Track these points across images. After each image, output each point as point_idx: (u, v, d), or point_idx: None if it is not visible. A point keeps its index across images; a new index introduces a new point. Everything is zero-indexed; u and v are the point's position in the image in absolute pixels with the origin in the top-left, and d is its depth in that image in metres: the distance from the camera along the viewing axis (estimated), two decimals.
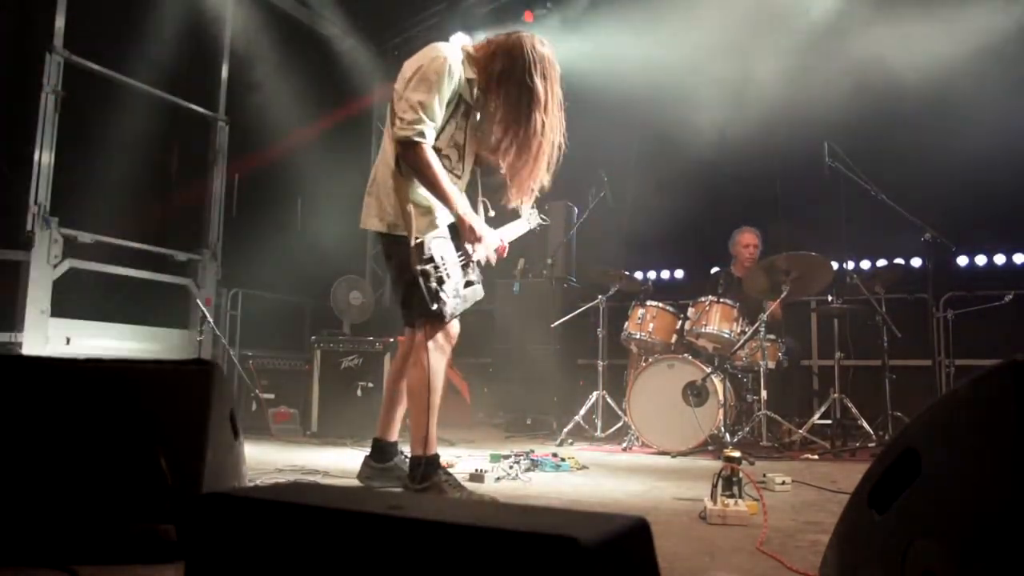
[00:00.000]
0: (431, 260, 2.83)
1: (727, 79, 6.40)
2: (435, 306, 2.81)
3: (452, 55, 2.87)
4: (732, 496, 2.54)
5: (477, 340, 7.24)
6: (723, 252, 6.28)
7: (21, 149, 5.03)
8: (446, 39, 8.49)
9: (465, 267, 3.01)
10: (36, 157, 5.03)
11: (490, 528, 0.88)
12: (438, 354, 2.95)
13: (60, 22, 5.24)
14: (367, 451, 3.81)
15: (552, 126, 2.95)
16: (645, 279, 7.33)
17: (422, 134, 2.80)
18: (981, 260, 6.52)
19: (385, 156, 2.97)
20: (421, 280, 2.79)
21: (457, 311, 2.96)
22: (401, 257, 2.87)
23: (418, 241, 2.83)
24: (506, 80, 2.90)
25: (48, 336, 5.04)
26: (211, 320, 5.90)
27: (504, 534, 0.87)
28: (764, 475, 3.34)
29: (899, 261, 6.46)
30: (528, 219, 3.40)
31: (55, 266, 5.08)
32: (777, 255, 4.98)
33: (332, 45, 8.07)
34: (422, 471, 2.90)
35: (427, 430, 2.90)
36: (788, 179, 6.53)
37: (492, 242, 3.11)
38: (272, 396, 5.80)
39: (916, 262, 6.32)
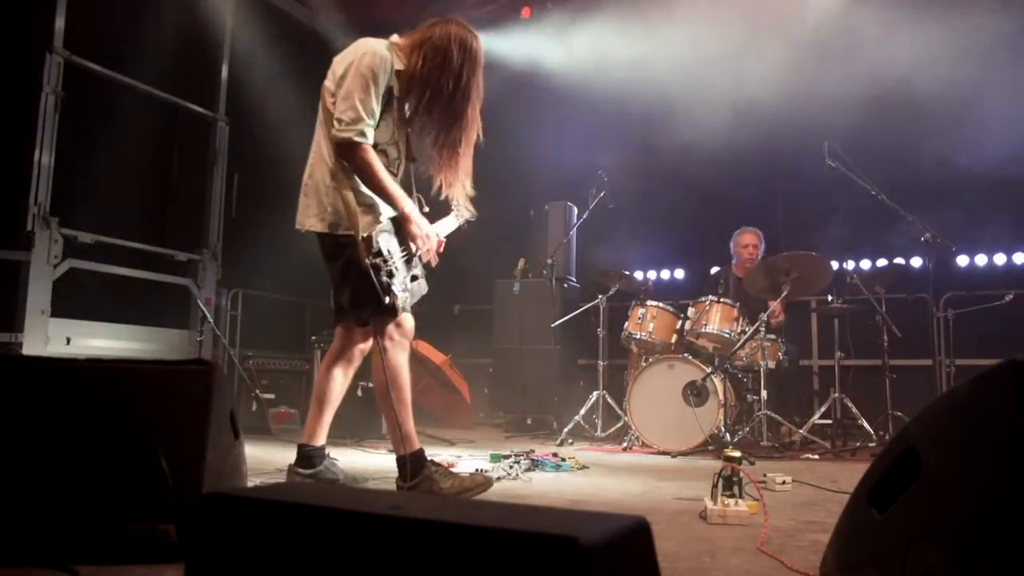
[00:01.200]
0: (379, 254, 2.78)
1: (727, 79, 6.40)
2: (387, 299, 2.76)
3: (381, 48, 2.85)
4: (732, 496, 2.54)
5: (477, 340, 7.26)
6: (723, 252, 6.28)
7: (21, 149, 5.03)
8: None
9: (408, 262, 2.97)
10: (36, 157, 5.03)
11: (490, 528, 0.88)
12: (397, 350, 2.93)
13: (60, 22, 5.24)
14: (367, 451, 3.80)
15: (477, 117, 2.97)
16: (645, 279, 7.34)
17: (362, 134, 2.76)
18: (981, 260, 6.52)
19: (321, 154, 2.91)
20: (372, 273, 2.74)
21: (407, 305, 2.93)
22: (347, 256, 2.84)
23: (365, 236, 2.78)
24: (437, 70, 2.87)
25: (48, 336, 5.04)
26: (211, 320, 5.91)
27: (504, 534, 0.87)
28: (764, 475, 3.34)
29: (899, 261, 6.46)
30: (457, 215, 3.30)
31: (55, 266, 5.08)
32: (777, 255, 4.98)
33: (331, 44, 8.07)
34: (410, 468, 2.89)
35: (404, 427, 2.90)
36: (788, 179, 6.54)
37: (434, 239, 3.06)
38: (272, 396, 5.79)
39: (916, 262, 6.33)
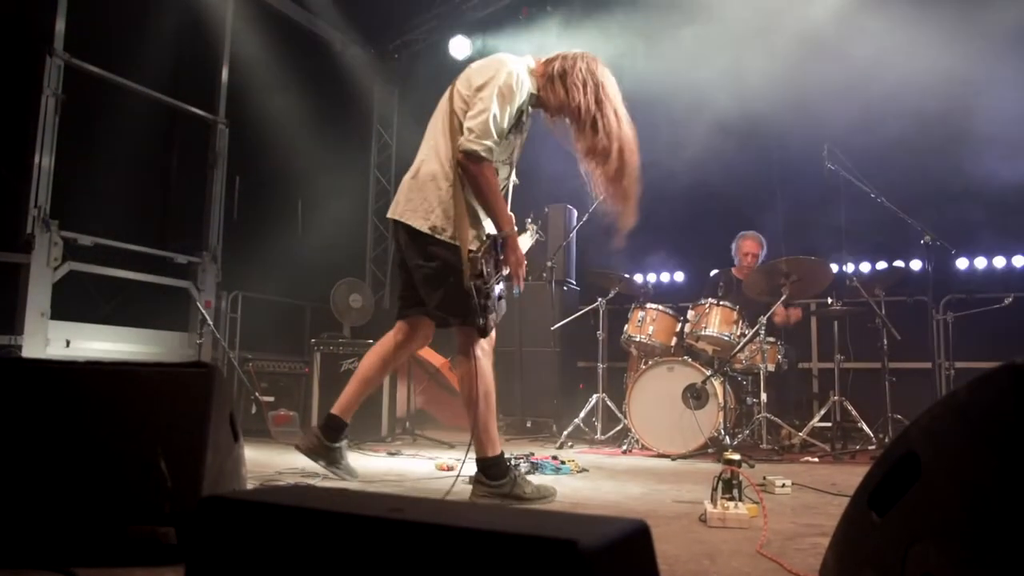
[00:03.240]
0: (481, 275, 2.85)
1: (728, 81, 6.40)
2: (481, 321, 2.85)
3: (522, 69, 2.94)
4: (732, 499, 2.54)
5: None
6: (723, 255, 6.28)
7: (21, 152, 5.03)
8: (445, 42, 8.56)
9: (498, 282, 3.04)
10: (36, 160, 5.03)
11: (490, 531, 0.88)
12: (486, 360, 3.01)
13: (60, 25, 5.24)
14: (367, 454, 3.81)
15: (628, 132, 3.13)
16: (645, 282, 7.35)
17: (490, 150, 2.83)
18: (981, 263, 6.52)
19: (438, 153, 2.96)
20: (474, 295, 2.82)
21: (494, 324, 3.01)
22: (446, 260, 2.90)
23: (473, 255, 2.85)
24: (584, 90, 2.98)
25: (48, 339, 5.04)
26: (211, 323, 5.91)
27: (504, 537, 0.87)
28: (764, 478, 3.34)
29: (899, 264, 6.46)
30: (532, 234, 3.55)
31: (55, 269, 5.08)
32: (777, 258, 4.99)
33: (332, 48, 8.09)
34: (497, 470, 2.97)
35: (492, 432, 3.00)
36: (788, 182, 6.54)
37: (524, 263, 3.15)
38: (272, 399, 5.80)
39: (916, 265, 6.33)
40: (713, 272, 6.28)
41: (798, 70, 6.15)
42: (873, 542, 1.29)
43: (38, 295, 4.96)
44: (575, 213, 6.72)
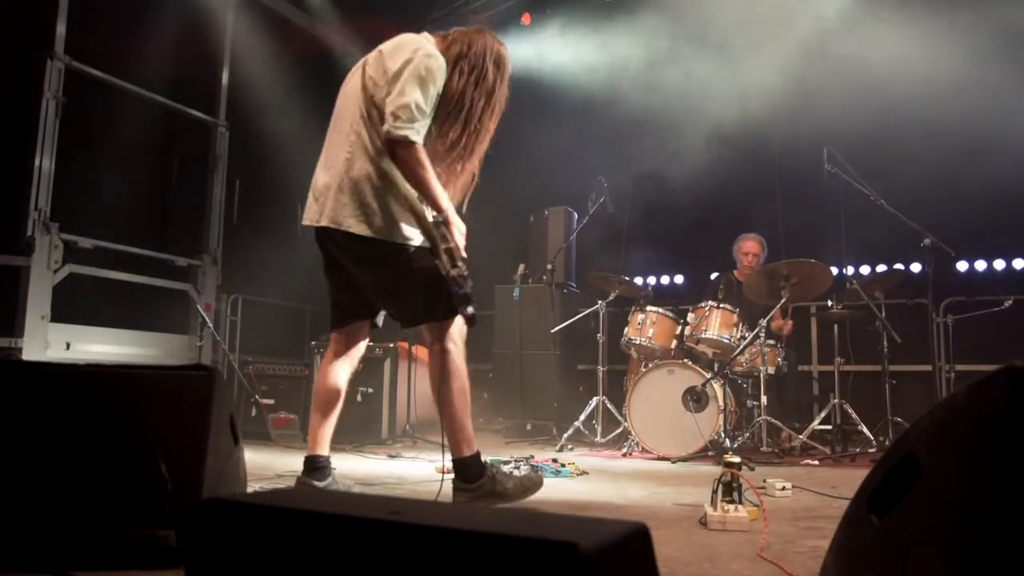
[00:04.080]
0: (456, 264, 2.69)
1: (728, 85, 6.41)
2: (469, 309, 2.68)
3: (435, 51, 2.80)
4: (732, 502, 2.54)
5: (477, 345, 7.25)
6: (723, 258, 6.28)
7: (22, 155, 5.04)
8: None
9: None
10: (37, 163, 5.04)
11: (490, 534, 0.88)
12: (459, 354, 2.88)
13: (61, 28, 5.25)
14: (367, 457, 3.77)
15: (493, 129, 2.94)
16: (645, 284, 7.35)
17: (418, 132, 2.68)
18: (981, 265, 6.52)
19: (365, 149, 2.77)
20: (461, 284, 2.63)
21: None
22: (404, 264, 2.77)
23: (448, 246, 2.68)
24: (472, 86, 2.84)
25: (48, 341, 5.04)
26: (211, 325, 5.92)
27: (504, 540, 0.87)
28: (764, 481, 3.33)
29: (899, 266, 6.46)
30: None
31: (55, 271, 5.09)
32: (778, 261, 4.99)
33: (332, 51, 8.09)
34: (473, 470, 2.84)
35: (468, 430, 2.86)
36: (787, 185, 6.54)
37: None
38: (272, 401, 5.79)
39: (916, 267, 6.33)
40: (713, 275, 6.28)
41: (798, 73, 6.16)
42: (873, 545, 1.29)
43: (38, 298, 4.97)
44: (575, 216, 6.72)
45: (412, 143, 2.67)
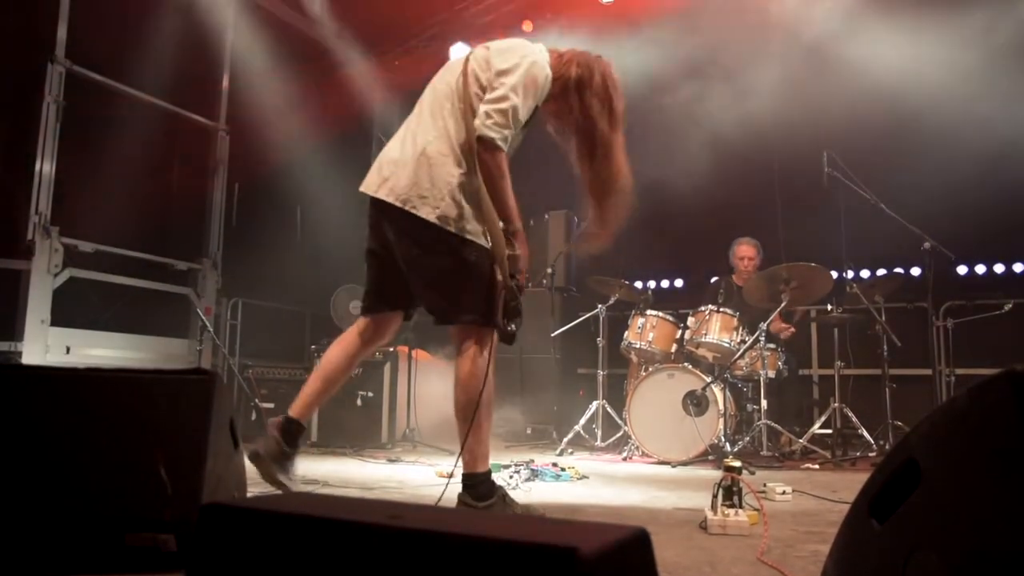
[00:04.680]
0: (513, 275, 2.63)
1: (727, 88, 6.42)
2: (513, 326, 2.63)
3: (544, 62, 2.74)
4: (732, 506, 2.54)
5: None
6: (723, 262, 6.28)
7: (22, 158, 5.04)
8: (447, 50, 8.57)
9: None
10: (37, 167, 5.04)
11: (490, 538, 0.88)
12: (489, 365, 2.73)
13: (62, 32, 5.26)
14: (367, 461, 3.74)
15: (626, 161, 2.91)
16: (645, 288, 7.35)
17: (507, 140, 2.62)
18: (980, 269, 6.52)
19: (450, 138, 2.69)
20: (514, 295, 2.59)
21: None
22: (465, 258, 2.67)
23: (511, 253, 2.63)
24: (601, 109, 2.80)
25: (48, 345, 5.04)
26: (211, 329, 5.91)
27: (504, 544, 0.87)
28: (764, 485, 3.33)
29: (899, 270, 6.45)
30: None
31: (55, 275, 5.09)
32: (777, 265, 4.99)
33: (333, 55, 8.10)
34: (486, 487, 2.71)
35: (486, 445, 2.71)
36: (787, 188, 6.54)
37: None
38: (272, 405, 5.78)
39: (916, 271, 6.32)
40: (713, 279, 6.28)
41: (798, 76, 6.16)
42: (874, 550, 1.29)
43: (38, 301, 4.97)
44: (576, 220, 6.73)
45: (499, 149, 2.62)
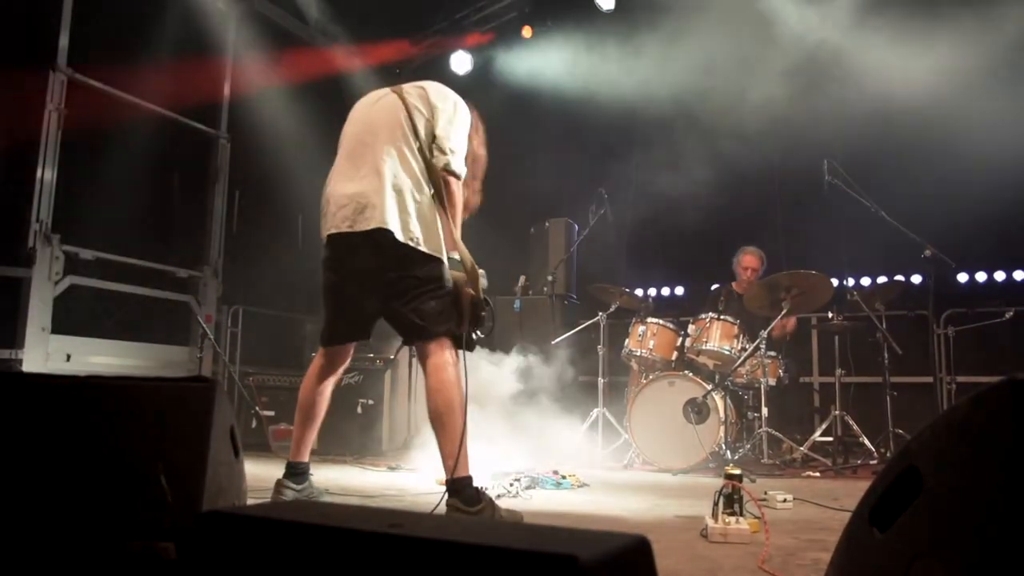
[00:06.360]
0: (477, 289, 2.93)
1: (728, 97, 6.43)
2: (482, 334, 2.95)
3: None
4: (733, 514, 2.53)
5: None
6: (724, 269, 6.28)
7: (24, 166, 5.05)
8: (447, 58, 8.61)
9: None
10: (39, 174, 5.05)
11: (490, 546, 0.88)
12: (460, 371, 2.92)
13: (64, 40, 5.27)
14: (367, 469, 3.75)
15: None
16: (645, 296, 7.35)
17: (464, 170, 2.99)
18: (981, 277, 6.52)
19: (410, 168, 2.93)
20: (485, 309, 2.92)
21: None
22: (431, 272, 2.90)
23: (474, 268, 2.92)
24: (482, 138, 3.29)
25: (48, 353, 5.03)
26: (212, 337, 5.92)
27: (504, 552, 0.87)
28: (765, 492, 3.33)
29: (899, 278, 6.44)
30: None
31: (56, 283, 5.09)
32: (778, 272, 4.99)
33: (333, 63, 8.12)
34: (472, 492, 2.80)
35: (465, 449, 2.84)
36: (788, 196, 6.55)
37: None
38: (272, 413, 5.78)
39: (916, 279, 6.32)
40: (714, 286, 6.28)
41: (799, 85, 6.18)
42: (875, 558, 1.29)
43: (39, 309, 4.97)
44: (576, 228, 6.73)
45: (461, 178, 2.99)
